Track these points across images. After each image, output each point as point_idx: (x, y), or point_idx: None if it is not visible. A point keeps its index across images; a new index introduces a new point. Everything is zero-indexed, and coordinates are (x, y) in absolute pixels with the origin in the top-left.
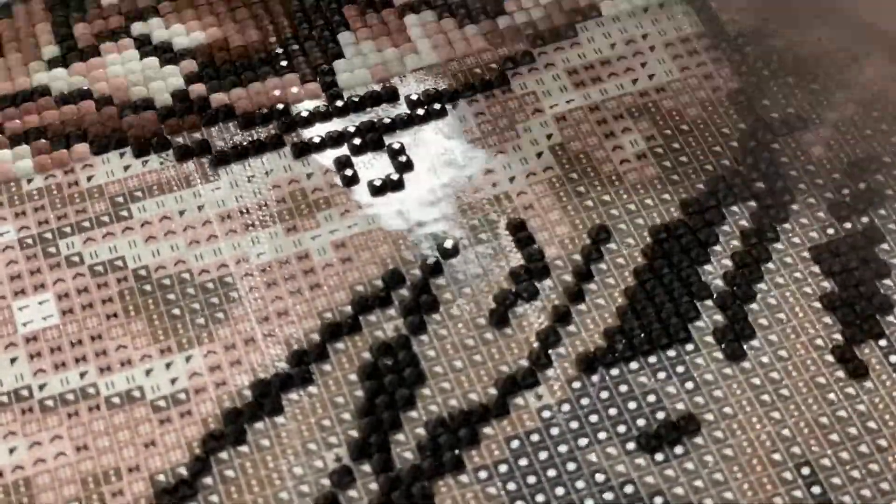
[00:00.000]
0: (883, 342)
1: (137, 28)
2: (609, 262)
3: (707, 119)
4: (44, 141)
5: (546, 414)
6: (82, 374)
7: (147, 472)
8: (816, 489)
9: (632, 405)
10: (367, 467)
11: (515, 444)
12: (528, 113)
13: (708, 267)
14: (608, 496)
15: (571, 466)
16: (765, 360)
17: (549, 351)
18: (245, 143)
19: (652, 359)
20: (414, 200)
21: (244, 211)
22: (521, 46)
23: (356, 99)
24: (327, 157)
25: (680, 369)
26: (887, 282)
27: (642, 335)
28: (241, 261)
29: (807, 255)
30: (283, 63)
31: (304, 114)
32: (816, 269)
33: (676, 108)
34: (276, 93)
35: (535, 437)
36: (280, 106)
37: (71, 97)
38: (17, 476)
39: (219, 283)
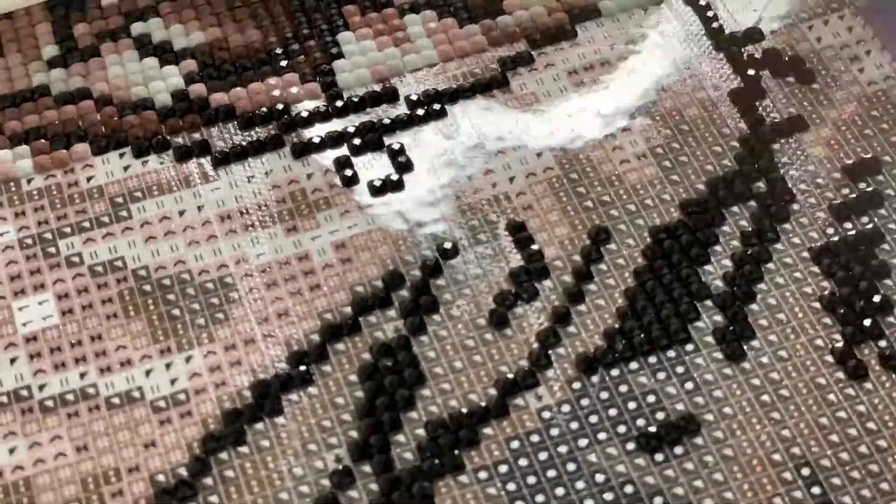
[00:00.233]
0: (883, 343)
1: (137, 28)
2: (609, 263)
3: (707, 119)
4: (44, 141)
5: (546, 414)
6: (82, 375)
7: (147, 472)
8: (816, 489)
9: (632, 405)
10: (367, 468)
11: (515, 444)
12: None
13: (708, 267)
14: (608, 496)
15: (571, 467)
16: (765, 360)
17: (549, 351)
18: (245, 144)
19: (652, 359)
20: (414, 201)
21: (244, 211)
22: (521, 47)
23: (356, 99)
24: (327, 158)
25: (680, 370)
26: (887, 282)
27: (642, 336)
28: (241, 261)
29: (807, 255)
30: (283, 63)
31: (304, 114)
32: (816, 269)
33: (676, 108)
34: (276, 93)
35: (534, 438)
36: (280, 106)
37: (71, 97)
38: (17, 476)
39: (219, 284)
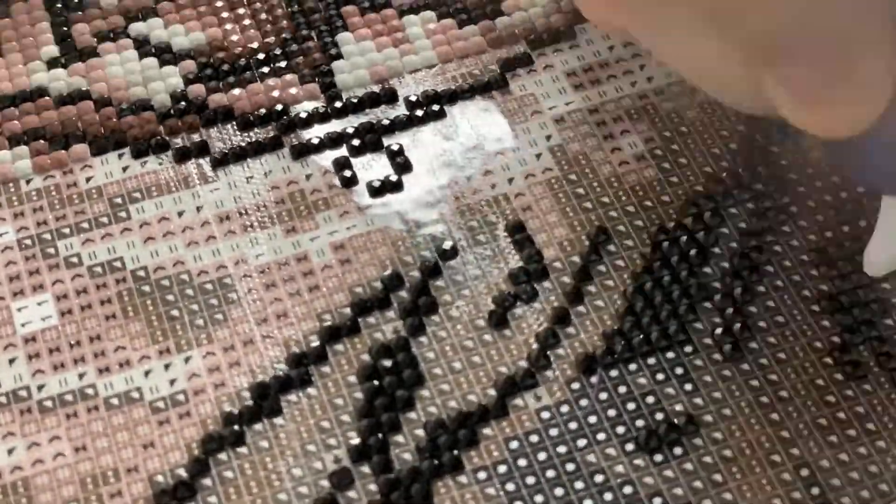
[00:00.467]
0: (882, 344)
1: (136, 28)
2: (608, 264)
3: (706, 121)
4: (42, 141)
5: (545, 415)
6: (81, 375)
7: (146, 472)
8: (815, 490)
9: (630, 406)
10: (366, 469)
11: (514, 444)
12: (526, 114)
13: (707, 269)
14: (607, 497)
15: (570, 467)
16: (763, 361)
17: (548, 352)
18: (244, 144)
19: (651, 360)
20: (413, 202)
21: (243, 212)
22: (520, 48)
23: (355, 100)
24: (326, 159)
25: (679, 371)
26: (886, 284)
27: (641, 337)
28: (240, 262)
29: (806, 257)
30: (282, 64)
31: (303, 115)
32: (815, 271)
33: (675, 109)
34: (275, 94)
35: (534, 438)
36: (279, 107)
37: (69, 98)
38: (16, 477)
39: (217, 285)
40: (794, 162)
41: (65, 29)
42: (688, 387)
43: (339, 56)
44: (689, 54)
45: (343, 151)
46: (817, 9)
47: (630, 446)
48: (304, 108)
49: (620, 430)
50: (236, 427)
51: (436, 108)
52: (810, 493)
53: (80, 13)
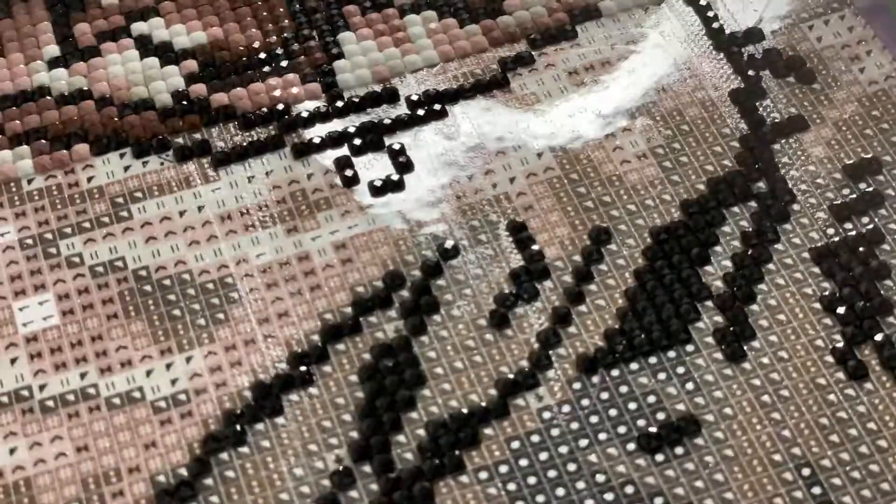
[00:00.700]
0: (883, 343)
1: (138, 28)
2: (609, 263)
3: (707, 119)
4: (44, 141)
5: (546, 415)
6: (83, 375)
7: (147, 472)
8: (817, 490)
9: (632, 406)
10: (367, 468)
11: (516, 444)
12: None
13: (708, 268)
14: (609, 497)
15: (572, 467)
16: (765, 360)
17: (550, 352)
18: (245, 144)
19: (652, 360)
20: (414, 201)
21: (244, 211)
22: (522, 47)
23: (356, 99)
24: (328, 158)
25: (680, 370)
26: (887, 283)
27: (643, 336)
28: (242, 261)
29: (807, 255)
30: (284, 63)
31: (305, 114)
32: (817, 269)
33: (677, 108)
34: (277, 93)
35: (535, 438)
36: (280, 106)
37: (71, 97)
38: (18, 476)
39: (219, 284)
40: (795, 159)
41: (66, 29)
42: (689, 386)
43: (340, 55)
44: None
45: (344, 151)
46: None
47: (632, 446)
48: (305, 108)
49: (622, 429)
50: (238, 426)
51: (437, 107)
52: (811, 492)
53: (81, 13)
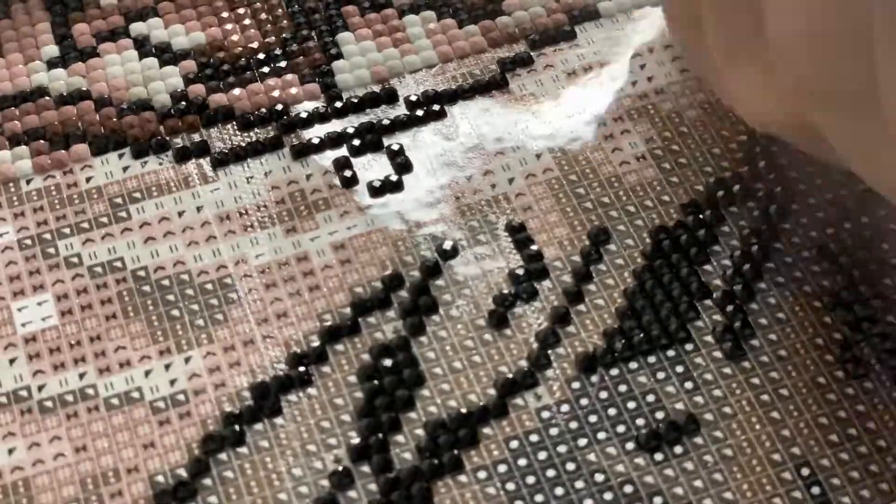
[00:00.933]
0: (883, 342)
1: (136, 28)
2: (608, 263)
3: (706, 121)
4: (43, 141)
5: (545, 414)
6: (81, 375)
7: (146, 473)
8: (816, 489)
9: (631, 405)
10: (366, 468)
11: (514, 444)
12: (527, 114)
13: (707, 267)
14: (607, 496)
15: (570, 466)
16: (764, 359)
17: (549, 351)
18: (244, 144)
19: (651, 359)
20: (413, 202)
21: (243, 212)
22: (521, 48)
23: (355, 100)
24: (326, 159)
25: (679, 369)
26: (887, 282)
27: (641, 335)
28: (240, 262)
29: (806, 254)
30: (283, 64)
31: (303, 115)
32: (816, 268)
33: (675, 109)
34: (276, 94)
35: (534, 438)
36: (279, 107)
37: (70, 98)
38: (16, 477)
39: (218, 285)
40: (794, 159)
41: (65, 29)
42: (688, 385)
43: (339, 56)
44: None
45: (343, 151)
46: None
47: (630, 445)
48: (304, 108)
49: (621, 428)
50: (236, 427)
51: (436, 107)
52: (811, 492)
53: (80, 13)
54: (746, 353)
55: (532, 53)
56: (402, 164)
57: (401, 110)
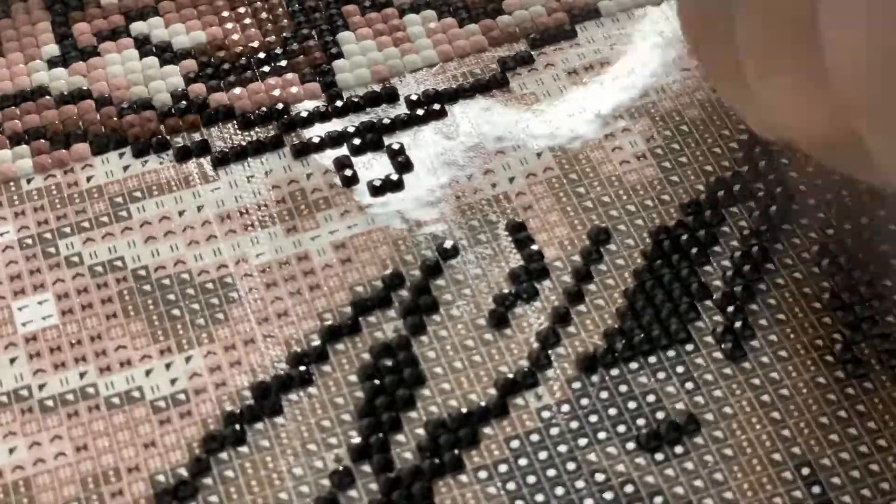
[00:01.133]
0: (883, 342)
1: (137, 27)
2: (609, 263)
3: (707, 120)
4: (43, 141)
5: (546, 414)
6: (82, 375)
7: (147, 472)
8: (816, 489)
9: (631, 405)
10: (366, 468)
11: (515, 444)
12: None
13: (708, 268)
14: (608, 496)
15: (571, 466)
16: (765, 360)
17: (549, 351)
18: (244, 144)
19: (652, 359)
20: (413, 201)
21: (244, 211)
22: (521, 47)
23: (356, 99)
24: (327, 158)
25: (680, 369)
26: (887, 282)
27: (642, 335)
28: (241, 261)
29: (807, 255)
30: (283, 63)
31: (304, 114)
32: (816, 269)
33: (676, 108)
34: (276, 93)
35: (534, 438)
36: (279, 106)
37: (70, 97)
38: (17, 476)
39: (218, 284)
40: (794, 159)
41: (65, 28)
42: (689, 385)
43: (339, 55)
44: None
45: (344, 150)
46: None
47: (631, 445)
48: (304, 107)
49: (621, 428)
50: (237, 426)
51: (437, 107)
52: (811, 491)
53: (80, 12)
54: (747, 354)
55: (533, 52)
56: (402, 163)
57: (401, 109)
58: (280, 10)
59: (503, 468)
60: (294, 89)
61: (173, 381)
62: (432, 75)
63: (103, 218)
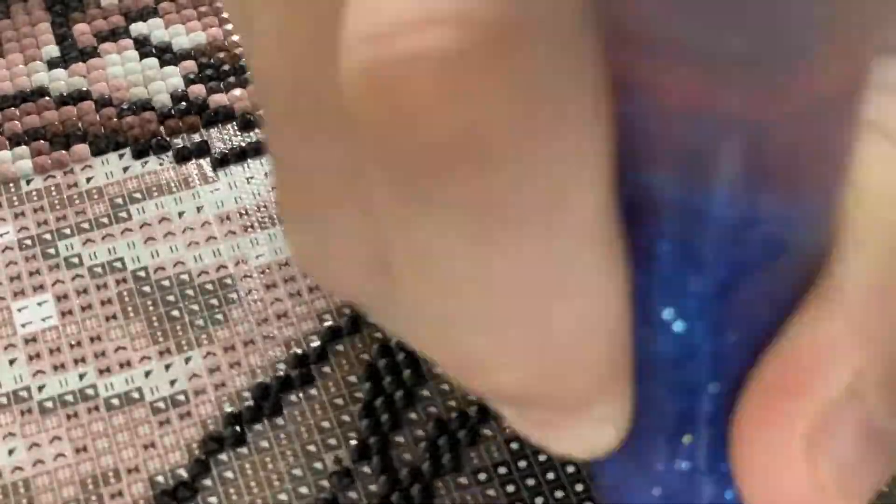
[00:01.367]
0: None
1: (137, 28)
2: None
3: None
4: (43, 141)
5: None
6: (81, 376)
7: (146, 473)
8: None
9: None
10: (366, 469)
11: (515, 445)
12: None
13: None
14: None
15: (570, 469)
16: None
17: None
18: (244, 145)
19: None
20: None
21: (243, 212)
22: None
23: None
24: None
25: None
26: None
27: None
28: (241, 262)
29: None
30: None
31: None
32: None
33: None
34: None
35: None
36: None
37: (70, 98)
38: (17, 477)
39: (218, 285)
40: None
41: (65, 29)
42: None
43: None
44: None
45: None
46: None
47: None
48: None
49: None
50: (237, 427)
51: None
52: None
53: (80, 13)
54: None
55: None
56: None
57: None
58: None
59: (503, 470)
60: None
61: (173, 382)
62: None
63: (103, 219)
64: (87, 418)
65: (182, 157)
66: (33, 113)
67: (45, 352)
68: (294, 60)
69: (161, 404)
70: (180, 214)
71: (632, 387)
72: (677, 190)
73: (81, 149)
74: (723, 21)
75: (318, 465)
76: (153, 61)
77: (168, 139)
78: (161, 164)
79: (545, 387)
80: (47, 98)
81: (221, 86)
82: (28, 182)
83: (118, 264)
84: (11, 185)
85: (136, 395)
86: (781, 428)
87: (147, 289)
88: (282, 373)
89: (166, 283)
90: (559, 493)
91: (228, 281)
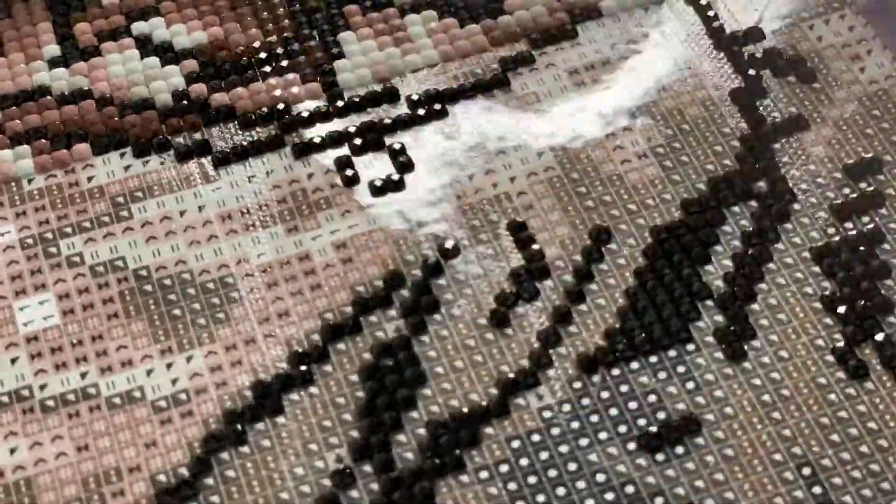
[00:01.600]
0: (884, 342)
1: (138, 27)
2: (610, 263)
3: (708, 118)
4: (44, 141)
5: (547, 414)
6: (83, 375)
7: (148, 472)
8: (817, 489)
9: (632, 405)
10: (368, 468)
11: (516, 444)
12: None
13: (709, 267)
14: (609, 496)
15: (572, 466)
16: (765, 360)
17: (550, 351)
18: (245, 143)
19: (653, 359)
20: (414, 201)
21: (245, 211)
22: (522, 46)
23: (357, 99)
24: (328, 158)
25: (681, 369)
26: (888, 282)
27: (643, 335)
28: (242, 261)
29: (808, 255)
30: (284, 63)
31: (305, 114)
32: (817, 269)
33: (677, 107)
34: (277, 93)
35: (535, 438)
36: (281, 106)
37: (72, 97)
38: (19, 476)
39: (219, 284)
40: (795, 159)
41: (67, 28)
42: (690, 385)
43: (340, 55)
44: None
45: (345, 150)
46: None
47: (632, 445)
48: (305, 107)
49: (622, 429)
50: (238, 426)
51: (438, 107)
52: (812, 491)
53: (81, 13)
54: (748, 354)
55: (534, 52)
56: (403, 163)
57: (402, 109)
58: (281, 10)
59: (504, 468)
60: (295, 89)
61: (174, 381)
62: (433, 75)
63: (104, 218)
64: (88, 417)
65: (183, 155)
66: (34, 112)
67: (47, 351)
68: None
69: (163, 403)
70: (182, 213)
71: None
72: None
73: (83, 148)
74: None
75: (320, 464)
76: (154, 60)
77: (169, 138)
78: (162, 163)
79: None
80: (48, 97)
81: (223, 84)
82: (29, 181)
83: (120, 263)
84: (13, 184)
85: (137, 393)
86: None
87: (148, 288)
88: (283, 371)
89: (168, 281)
90: (561, 491)
91: (230, 280)
